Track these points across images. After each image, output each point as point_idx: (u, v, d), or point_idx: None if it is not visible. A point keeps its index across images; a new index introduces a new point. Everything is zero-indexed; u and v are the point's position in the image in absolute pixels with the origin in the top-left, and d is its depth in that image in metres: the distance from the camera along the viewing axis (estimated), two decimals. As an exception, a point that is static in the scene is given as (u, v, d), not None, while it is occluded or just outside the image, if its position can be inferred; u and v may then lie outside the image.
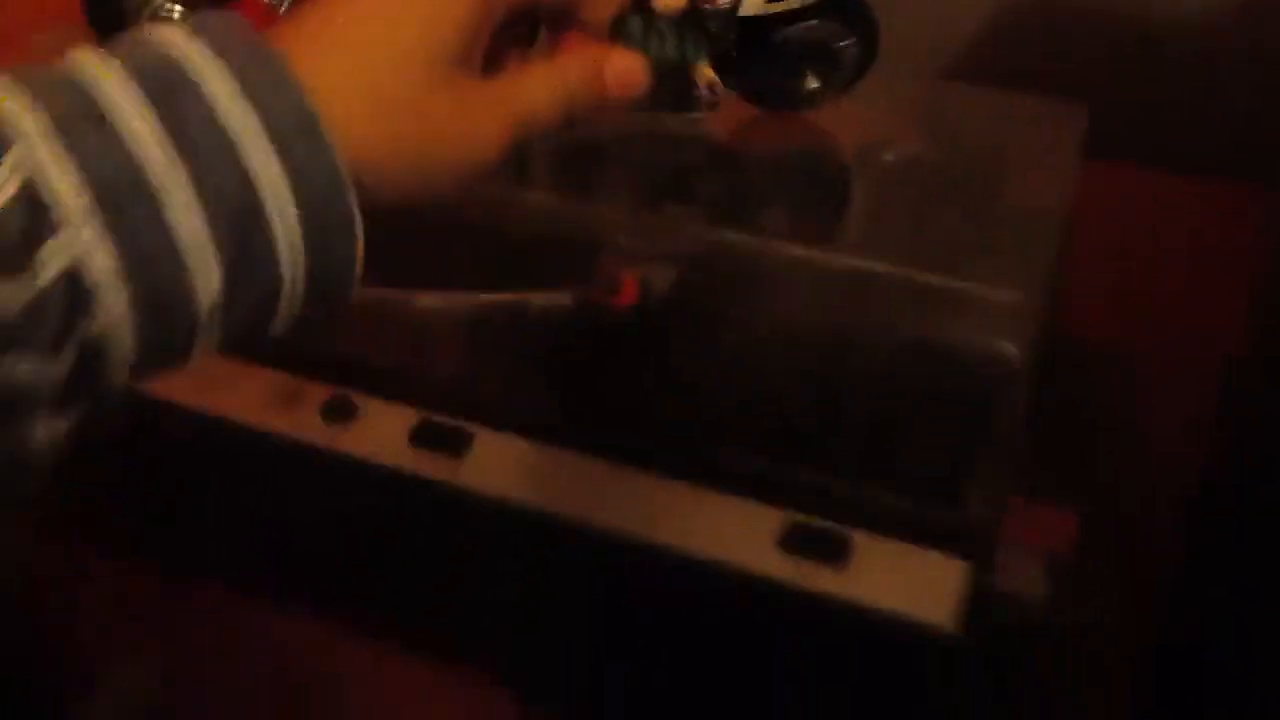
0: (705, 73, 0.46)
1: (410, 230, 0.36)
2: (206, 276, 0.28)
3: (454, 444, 0.50)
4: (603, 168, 0.65)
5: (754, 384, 0.49)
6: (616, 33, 0.38)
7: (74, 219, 0.26)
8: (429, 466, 0.49)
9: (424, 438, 0.50)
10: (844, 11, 0.65)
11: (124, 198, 0.27)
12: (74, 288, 0.27)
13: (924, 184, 0.63)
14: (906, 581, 0.44)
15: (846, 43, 0.66)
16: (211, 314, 0.29)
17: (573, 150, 0.64)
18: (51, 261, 0.26)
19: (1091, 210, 0.70)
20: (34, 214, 0.26)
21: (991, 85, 0.77)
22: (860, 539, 0.45)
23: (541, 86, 0.35)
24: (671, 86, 0.54)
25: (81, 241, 0.26)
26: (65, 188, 0.26)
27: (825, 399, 0.48)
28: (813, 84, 0.66)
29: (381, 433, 0.50)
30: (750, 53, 0.64)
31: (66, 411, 0.28)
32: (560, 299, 0.54)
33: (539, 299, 0.55)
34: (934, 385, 0.46)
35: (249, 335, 0.31)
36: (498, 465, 0.49)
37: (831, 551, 0.45)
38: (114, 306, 0.27)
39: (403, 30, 0.32)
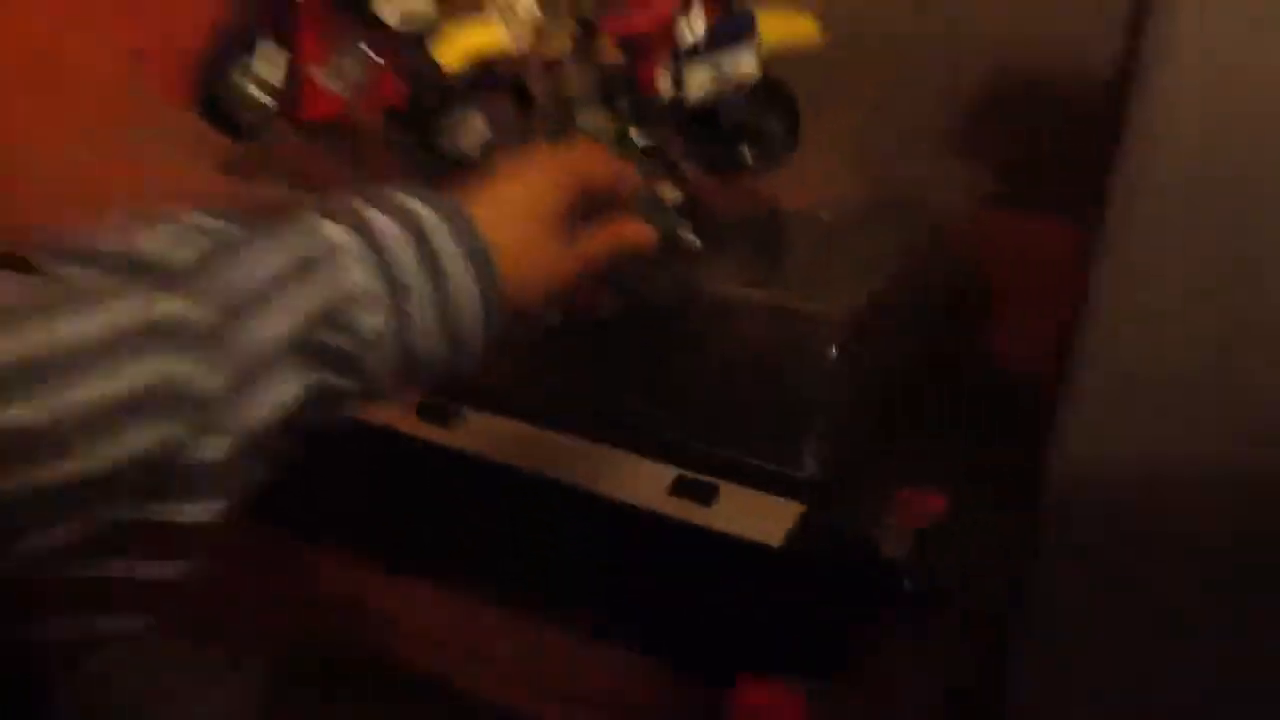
0: (686, 234, 0.74)
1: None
2: (435, 345, 0.49)
3: (446, 417, 0.69)
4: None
5: (659, 381, 0.67)
6: (637, 208, 0.60)
7: (377, 308, 0.46)
8: (428, 433, 0.69)
9: (426, 413, 0.69)
10: (772, 100, 0.83)
11: (398, 297, 0.47)
12: (373, 339, 0.46)
13: (818, 233, 0.81)
14: (754, 517, 0.62)
15: (774, 125, 0.84)
16: (429, 367, 0.49)
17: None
18: (369, 326, 0.46)
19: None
20: (359, 300, 0.46)
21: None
22: (725, 488, 0.63)
23: (595, 241, 0.57)
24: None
25: (380, 319, 0.46)
26: (374, 290, 0.46)
27: (706, 391, 0.66)
28: (748, 157, 0.84)
29: (394, 409, 0.70)
30: (697, 132, 0.82)
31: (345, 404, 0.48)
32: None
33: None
34: (780, 381, 0.64)
35: (437, 379, 0.51)
36: (477, 433, 0.68)
37: (705, 496, 0.63)
38: (388, 355, 0.47)
39: (526, 206, 0.54)
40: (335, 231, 0.47)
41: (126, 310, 0.41)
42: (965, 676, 0.70)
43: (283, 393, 0.44)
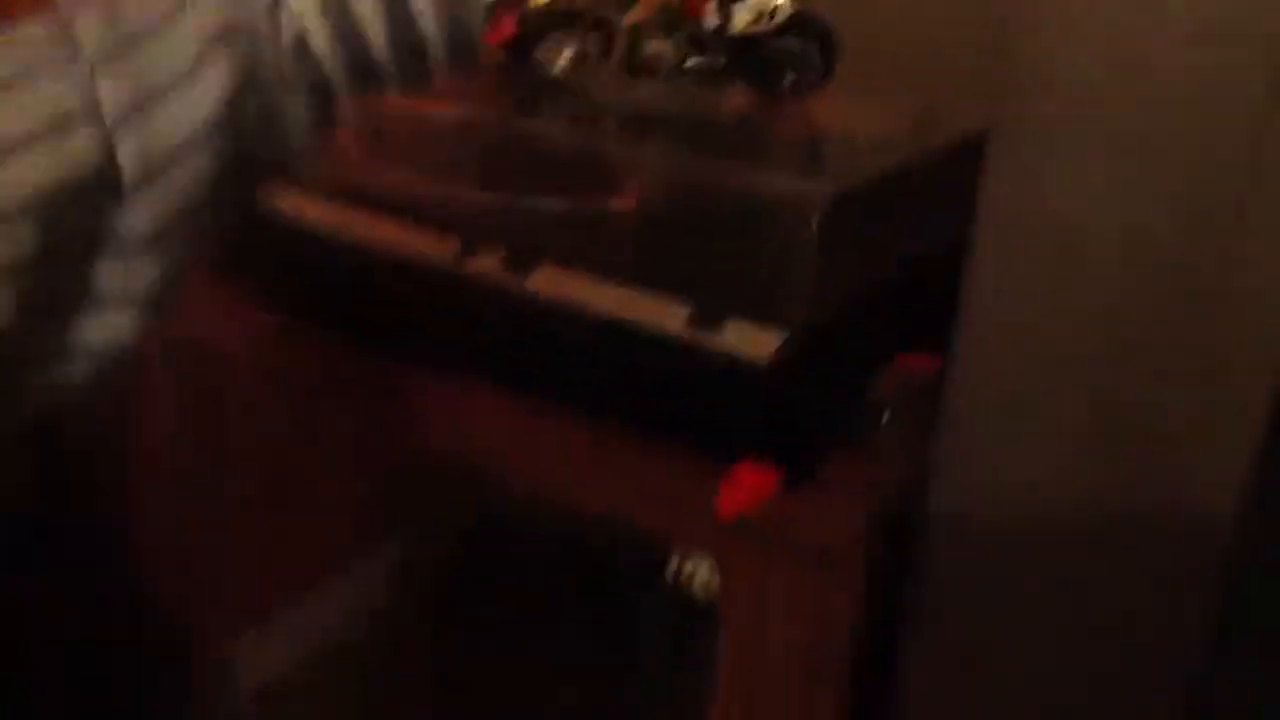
0: None
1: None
2: (374, 28, 0.49)
3: (526, 269, 0.90)
4: (651, 124, 1.04)
5: (690, 244, 0.87)
6: None
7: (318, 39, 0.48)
8: (509, 282, 0.90)
9: (513, 264, 0.90)
10: (810, 30, 1.01)
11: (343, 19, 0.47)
12: (301, 43, 0.47)
13: (848, 148, 0.99)
14: (753, 342, 0.81)
15: (811, 53, 1.02)
16: (387, 60, 0.49)
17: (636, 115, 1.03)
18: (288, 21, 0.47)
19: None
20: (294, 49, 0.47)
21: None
22: (731, 323, 0.82)
23: None
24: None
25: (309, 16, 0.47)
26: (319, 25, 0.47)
27: (723, 250, 0.85)
28: (790, 80, 1.03)
29: (488, 262, 0.91)
30: (742, 60, 1.01)
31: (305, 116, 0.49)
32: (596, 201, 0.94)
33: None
34: (776, 243, 0.83)
35: (410, 68, 0.51)
36: (552, 281, 0.89)
37: (715, 327, 0.82)
38: (323, 44, 0.48)
39: None
40: None
41: (52, 99, 0.43)
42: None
43: (201, 168, 0.46)
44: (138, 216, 0.45)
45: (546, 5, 0.98)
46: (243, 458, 1.30)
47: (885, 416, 0.88)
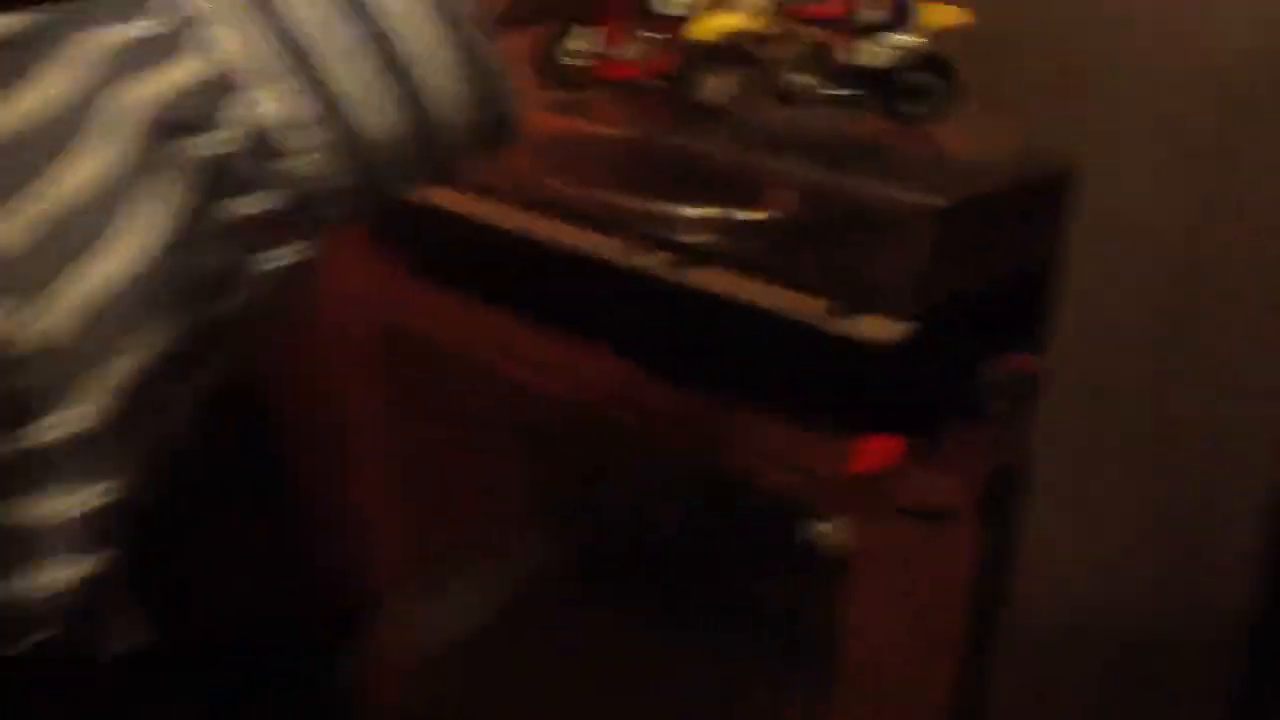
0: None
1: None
2: (380, 116, 0.33)
3: (683, 266, 1.06)
4: (792, 145, 1.19)
5: (819, 250, 1.02)
6: None
7: (273, 95, 0.31)
8: (661, 269, 1.06)
9: (676, 263, 1.06)
10: (934, 66, 1.15)
11: (307, 69, 0.32)
12: (262, 136, 0.31)
13: (969, 168, 1.13)
14: (880, 330, 0.95)
15: (936, 85, 1.16)
16: (397, 147, 0.34)
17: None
18: (236, 117, 0.30)
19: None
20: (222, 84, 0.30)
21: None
22: (862, 314, 0.97)
23: None
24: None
25: (267, 98, 0.31)
26: (265, 66, 0.31)
27: (856, 254, 1.00)
28: (916, 110, 1.17)
29: (654, 261, 1.07)
30: (875, 90, 1.15)
31: (289, 244, 0.34)
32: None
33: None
34: (899, 243, 0.97)
35: (449, 162, 0.38)
36: (704, 275, 1.05)
37: (848, 317, 0.97)
38: (307, 149, 0.32)
39: None
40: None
41: None
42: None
43: (154, 338, 0.31)
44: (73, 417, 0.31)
45: (703, 42, 1.14)
46: (427, 432, 1.48)
47: (994, 402, 1.01)
